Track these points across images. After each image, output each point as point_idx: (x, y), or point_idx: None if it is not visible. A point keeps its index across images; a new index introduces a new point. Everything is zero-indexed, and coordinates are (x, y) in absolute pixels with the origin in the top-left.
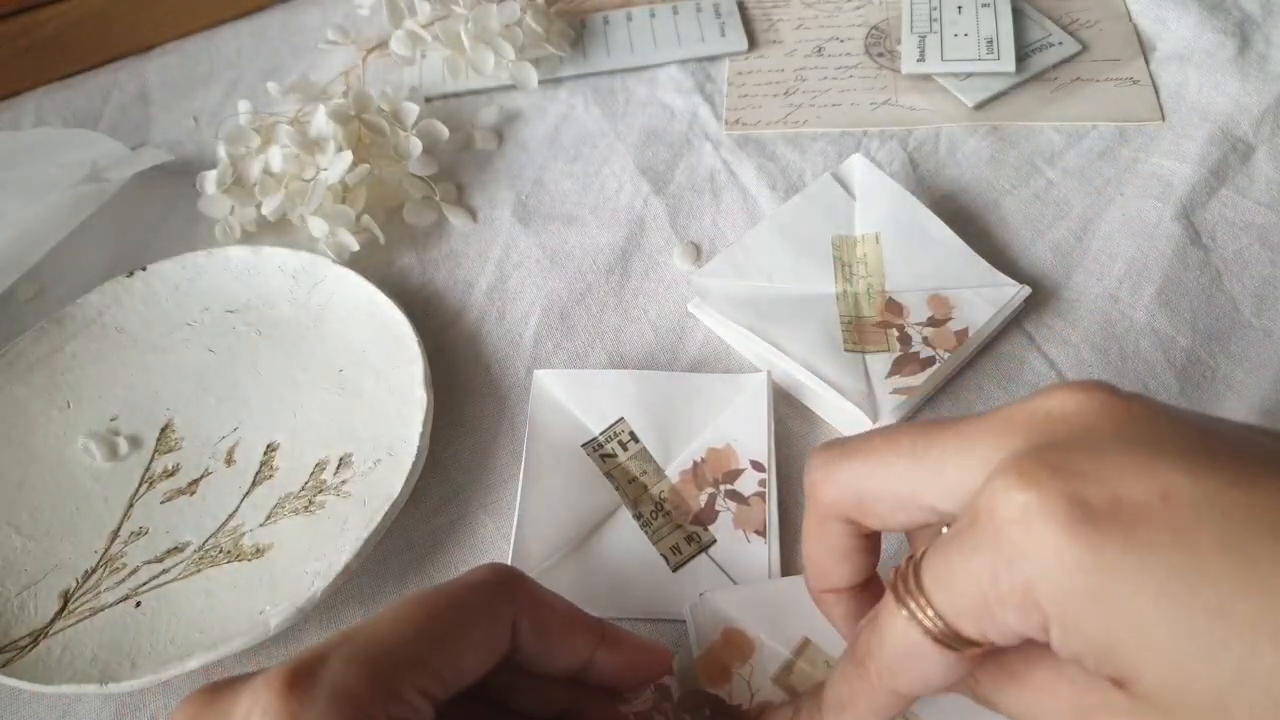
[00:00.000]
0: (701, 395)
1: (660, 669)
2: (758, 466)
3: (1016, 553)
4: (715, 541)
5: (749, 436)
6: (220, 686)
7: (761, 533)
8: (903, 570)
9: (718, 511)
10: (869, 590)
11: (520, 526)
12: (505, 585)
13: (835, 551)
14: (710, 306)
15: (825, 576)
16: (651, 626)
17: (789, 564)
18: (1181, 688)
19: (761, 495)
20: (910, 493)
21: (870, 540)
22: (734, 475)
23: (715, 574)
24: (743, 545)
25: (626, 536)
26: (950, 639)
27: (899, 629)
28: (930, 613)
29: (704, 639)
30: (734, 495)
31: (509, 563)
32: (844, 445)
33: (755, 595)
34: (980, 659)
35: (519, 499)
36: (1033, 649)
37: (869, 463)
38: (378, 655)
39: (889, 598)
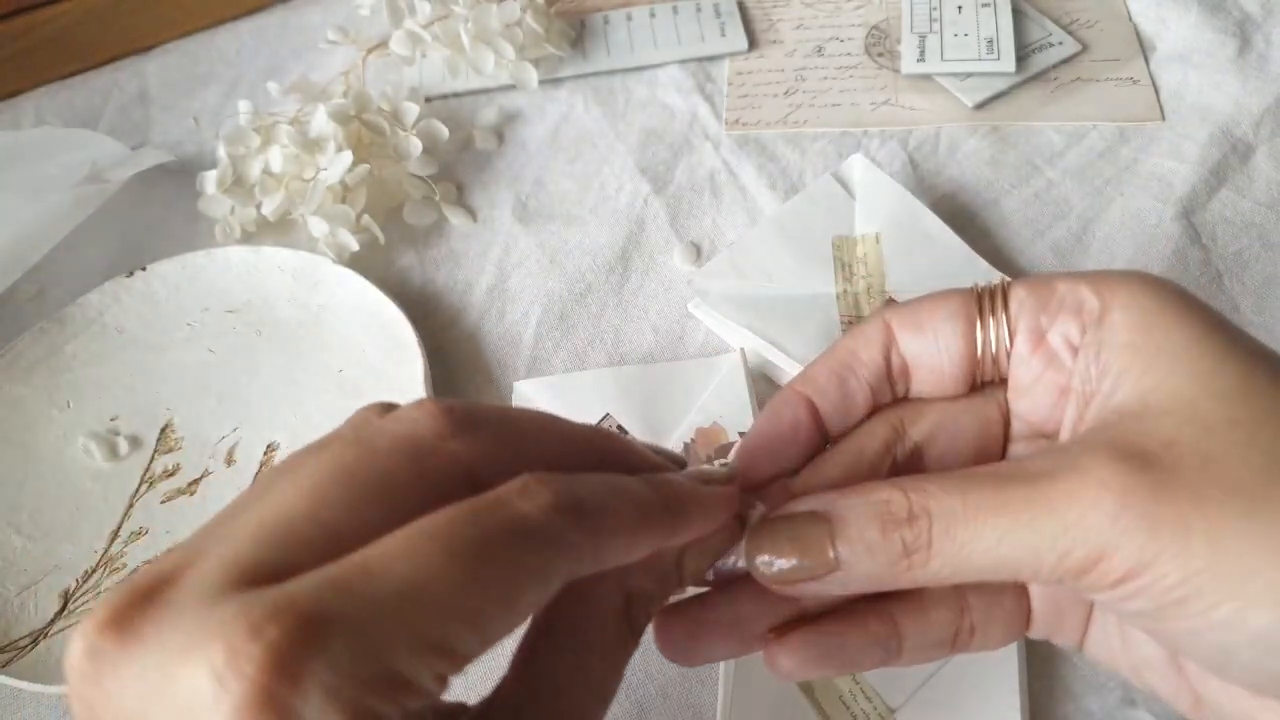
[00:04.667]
0: (681, 381)
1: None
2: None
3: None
4: None
5: (733, 411)
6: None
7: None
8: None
9: None
10: (813, 444)
11: None
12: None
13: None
14: (710, 307)
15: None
16: None
17: None
18: (1209, 382)
19: None
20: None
21: (883, 394)
22: (725, 449)
23: None
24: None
25: None
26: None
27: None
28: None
29: None
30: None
31: None
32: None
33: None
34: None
35: None
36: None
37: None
38: (392, 620)
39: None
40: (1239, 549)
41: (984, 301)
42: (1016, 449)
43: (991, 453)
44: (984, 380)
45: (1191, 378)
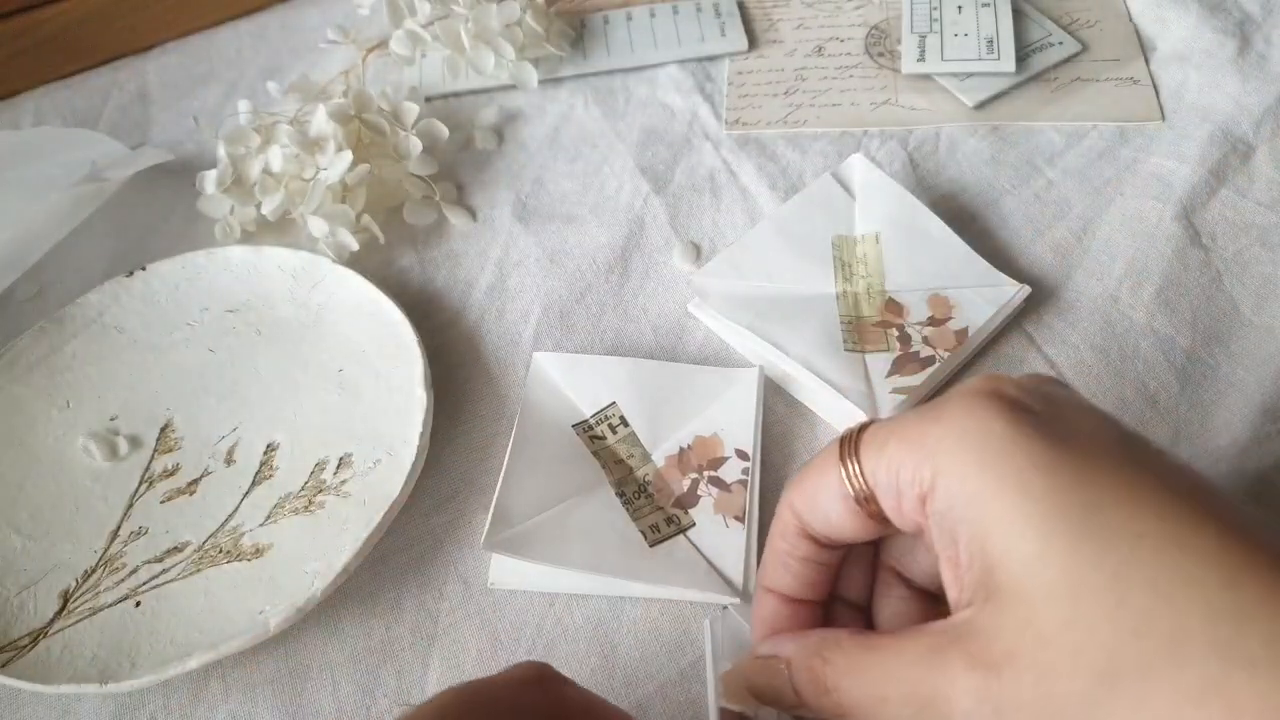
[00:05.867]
0: (694, 386)
1: None
2: (742, 455)
3: (943, 417)
4: (694, 524)
5: (737, 427)
6: None
7: (740, 518)
8: (850, 434)
9: (699, 496)
10: (806, 611)
11: (503, 486)
12: (547, 683)
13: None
14: (710, 306)
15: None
16: (632, 600)
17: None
18: (1038, 569)
19: (744, 483)
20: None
21: (828, 557)
22: (718, 462)
23: (691, 555)
24: (721, 530)
25: (607, 510)
26: (866, 500)
27: (828, 474)
28: (860, 476)
29: (727, 653)
30: (716, 481)
31: (488, 522)
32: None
33: None
34: (880, 525)
35: (505, 464)
36: (900, 631)
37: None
38: None
39: (833, 447)
40: None
41: (846, 459)
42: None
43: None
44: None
45: (1024, 565)
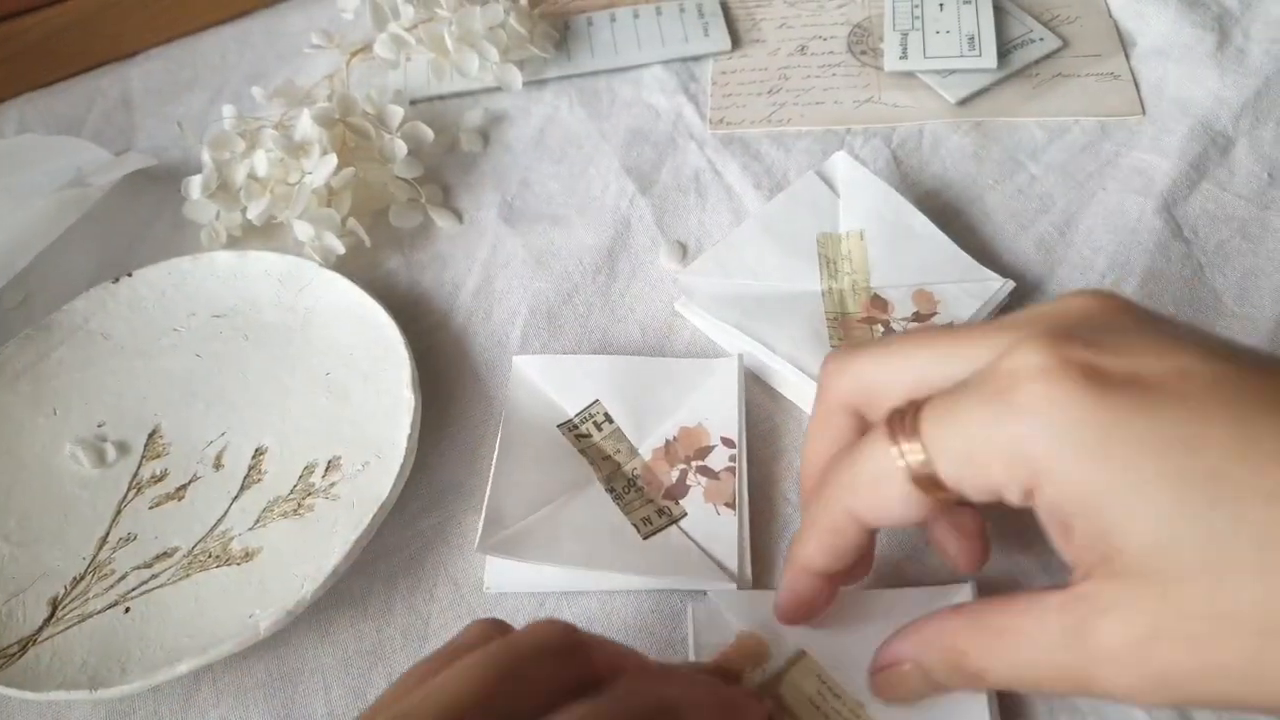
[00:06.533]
0: (674, 378)
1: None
2: (728, 443)
3: (1024, 406)
4: (686, 514)
5: (720, 415)
6: None
7: (731, 505)
8: (900, 410)
9: (689, 486)
10: (834, 579)
11: (493, 489)
12: (578, 653)
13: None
14: (697, 305)
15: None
16: (622, 598)
17: (757, 535)
18: (1168, 549)
19: (731, 470)
20: (919, 379)
21: (867, 537)
22: (705, 451)
23: (685, 544)
24: (712, 517)
25: (599, 506)
26: (925, 479)
27: (879, 458)
28: (918, 447)
29: (710, 640)
30: (704, 470)
31: (480, 525)
32: (858, 345)
33: (760, 600)
34: (941, 508)
35: (493, 467)
36: (1011, 601)
37: (881, 355)
38: None
39: (878, 432)
40: None
41: (904, 453)
42: None
43: None
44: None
45: (1155, 552)
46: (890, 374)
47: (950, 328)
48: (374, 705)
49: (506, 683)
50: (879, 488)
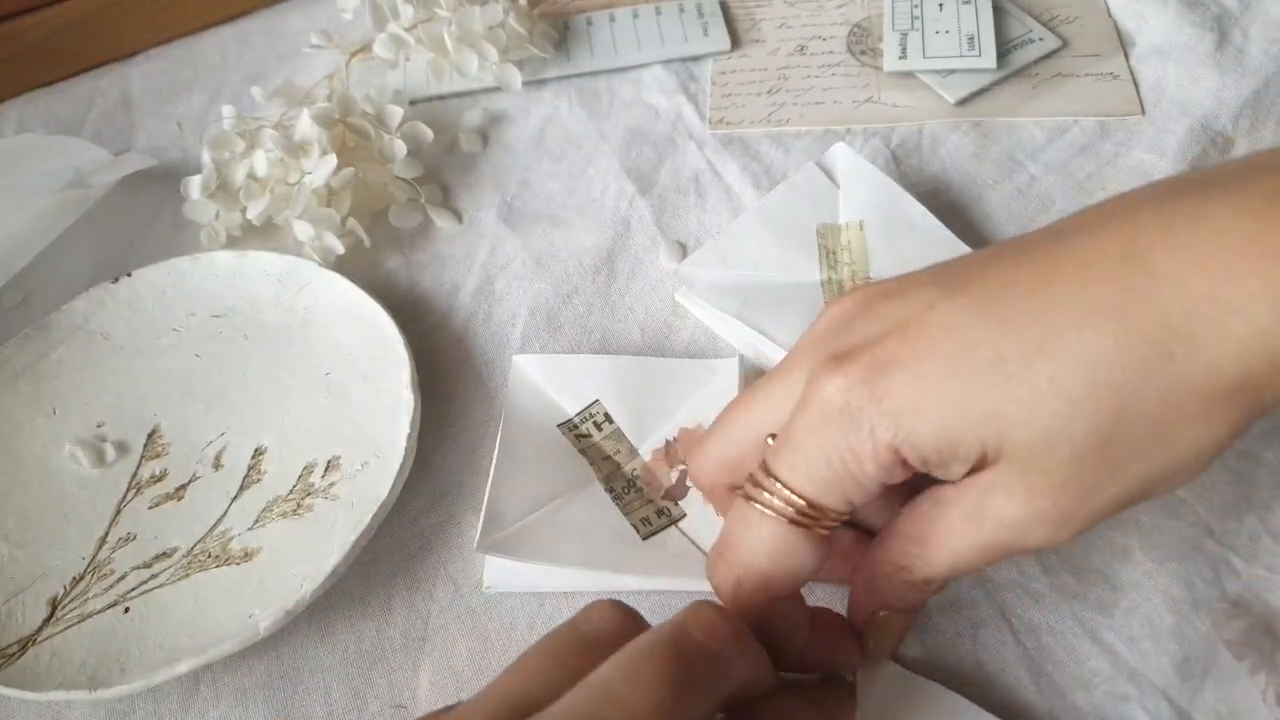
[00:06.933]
0: (675, 379)
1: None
2: None
3: (825, 412)
4: (685, 515)
5: None
6: None
7: None
8: (751, 478)
9: (688, 487)
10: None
11: (493, 489)
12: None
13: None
14: (697, 295)
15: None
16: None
17: None
18: (1007, 429)
19: None
20: (758, 436)
21: (797, 587)
22: None
23: (685, 545)
24: (712, 519)
25: (598, 507)
26: (808, 516)
27: (755, 527)
28: (788, 494)
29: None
30: None
31: (480, 525)
32: (707, 431)
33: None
34: (828, 540)
35: (493, 467)
36: (916, 507)
37: (722, 431)
38: None
39: (738, 505)
40: None
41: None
42: None
43: None
44: None
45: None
46: (736, 444)
47: (760, 380)
48: (497, 688)
49: (684, 696)
50: (768, 549)
